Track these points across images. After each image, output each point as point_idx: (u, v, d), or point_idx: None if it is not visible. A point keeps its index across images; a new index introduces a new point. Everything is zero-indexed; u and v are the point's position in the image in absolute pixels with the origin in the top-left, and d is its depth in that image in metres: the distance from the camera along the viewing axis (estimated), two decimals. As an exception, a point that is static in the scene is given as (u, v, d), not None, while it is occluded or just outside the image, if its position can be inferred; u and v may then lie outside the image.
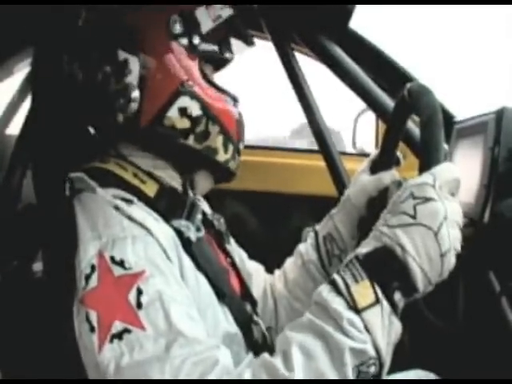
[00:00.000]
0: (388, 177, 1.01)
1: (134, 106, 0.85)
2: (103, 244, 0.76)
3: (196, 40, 0.89)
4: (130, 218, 0.79)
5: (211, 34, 0.91)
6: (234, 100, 0.96)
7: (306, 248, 1.09)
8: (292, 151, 2.25)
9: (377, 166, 1.03)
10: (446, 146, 0.81)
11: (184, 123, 0.88)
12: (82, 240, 0.78)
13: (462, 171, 0.78)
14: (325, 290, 0.74)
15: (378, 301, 0.71)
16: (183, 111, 0.87)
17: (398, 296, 0.73)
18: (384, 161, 1.02)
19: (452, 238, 0.73)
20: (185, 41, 0.88)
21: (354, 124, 2.21)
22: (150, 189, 0.87)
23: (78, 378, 0.79)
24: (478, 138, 1.02)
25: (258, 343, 0.92)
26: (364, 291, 0.71)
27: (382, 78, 1.43)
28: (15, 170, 1.33)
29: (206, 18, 0.90)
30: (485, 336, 1.02)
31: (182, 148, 0.89)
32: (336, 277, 0.74)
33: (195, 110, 0.88)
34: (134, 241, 0.76)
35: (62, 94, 0.94)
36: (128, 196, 0.83)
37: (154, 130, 0.87)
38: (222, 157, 0.92)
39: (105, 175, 0.87)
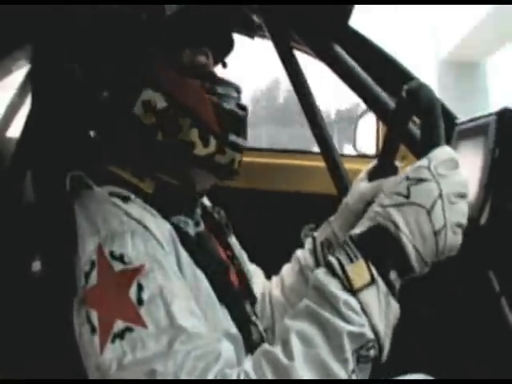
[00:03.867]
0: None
1: (105, 105, 0.85)
2: (102, 238, 0.75)
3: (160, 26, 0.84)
4: (128, 215, 0.78)
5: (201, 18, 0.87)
6: (238, 91, 0.91)
7: (303, 254, 1.09)
8: (293, 152, 2.26)
9: (375, 174, 1.03)
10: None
11: (150, 118, 0.84)
12: (81, 236, 0.78)
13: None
14: (320, 273, 0.74)
15: (373, 280, 0.71)
16: (147, 105, 0.83)
17: (393, 275, 0.72)
18: (382, 169, 1.03)
19: (449, 215, 0.73)
20: (149, 30, 0.84)
21: (354, 125, 2.20)
22: (148, 186, 0.86)
23: (78, 378, 0.79)
24: (479, 139, 1.02)
25: (256, 344, 0.91)
26: (359, 271, 0.71)
27: (383, 77, 1.43)
28: (16, 171, 1.33)
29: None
30: (484, 336, 1.02)
31: (153, 145, 0.86)
32: (331, 258, 0.74)
33: (160, 102, 0.83)
34: (133, 235, 0.75)
35: (61, 94, 0.94)
36: (125, 193, 0.82)
37: (125, 129, 0.86)
38: (201, 151, 0.85)
39: (103, 174, 0.86)
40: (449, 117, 1.25)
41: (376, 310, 0.70)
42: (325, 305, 0.71)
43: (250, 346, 0.88)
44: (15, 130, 1.64)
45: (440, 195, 0.73)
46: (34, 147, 1.03)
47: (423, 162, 0.76)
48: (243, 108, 0.91)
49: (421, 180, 0.74)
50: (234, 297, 0.91)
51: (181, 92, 0.85)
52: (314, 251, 1.07)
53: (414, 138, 1.29)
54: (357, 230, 0.76)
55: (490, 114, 1.00)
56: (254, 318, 0.96)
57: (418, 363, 1.13)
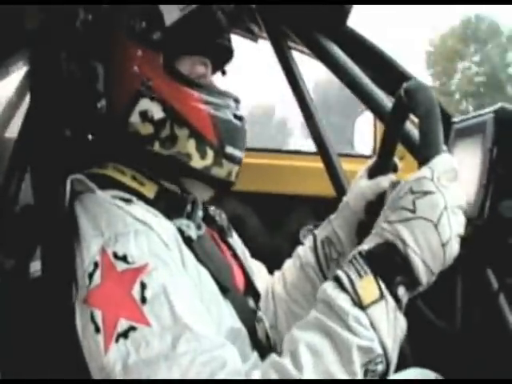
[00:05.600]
0: (386, 181, 1.01)
1: (101, 112, 0.85)
2: (106, 240, 0.76)
3: (157, 35, 0.84)
4: (131, 215, 0.79)
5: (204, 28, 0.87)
6: (236, 101, 0.91)
7: (304, 251, 1.09)
8: (291, 153, 2.26)
9: (374, 172, 1.04)
10: (444, 147, 0.81)
11: (147, 129, 0.85)
12: (85, 238, 0.78)
13: (461, 171, 0.78)
14: (329, 287, 0.74)
15: (382, 296, 0.71)
16: (144, 115, 0.84)
17: (401, 291, 0.73)
18: (381, 166, 1.03)
19: (453, 226, 0.73)
20: (146, 38, 0.84)
21: (352, 125, 2.21)
22: (150, 190, 0.87)
23: (78, 378, 0.79)
24: (476, 137, 1.02)
25: (261, 341, 0.92)
26: (368, 287, 0.72)
27: (380, 77, 1.43)
28: (14, 172, 1.32)
29: (170, 9, 0.84)
30: (483, 334, 1.02)
31: (149, 155, 0.86)
32: (340, 273, 0.74)
33: (157, 112, 0.84)
34: (136, 235, 0.76)
35: (60, 96, 0.94)
36: (127, 196, 0.83)
37: (119, 137, 0.87)
38: (197, 163, 0.86)
39: (103, 179, 0.86)
40: (445, 116, 1.26)
41: (385, 326, 0.71)
42: (334, 318, 0.71)
43: (256, 342, 0.89)
44: (13, 130, 1.64)
45: (445, 207, 0.73)
46: (33, 148, 1.03)
47: (426, 172, 0.75)
48: (240, 118, 0.91)
49: (425, 193, 0.74)
50: (238, 293, 0.92)
51: (178, 102, 0.85)
52: (314, 249, 1.07)
53: (412, 139, 1.29)
54: (365, 246, 0.76)
55: (487, 113, 1.00)
56: (259, 313, 0.97)
57: (415, 360, 1.14)
